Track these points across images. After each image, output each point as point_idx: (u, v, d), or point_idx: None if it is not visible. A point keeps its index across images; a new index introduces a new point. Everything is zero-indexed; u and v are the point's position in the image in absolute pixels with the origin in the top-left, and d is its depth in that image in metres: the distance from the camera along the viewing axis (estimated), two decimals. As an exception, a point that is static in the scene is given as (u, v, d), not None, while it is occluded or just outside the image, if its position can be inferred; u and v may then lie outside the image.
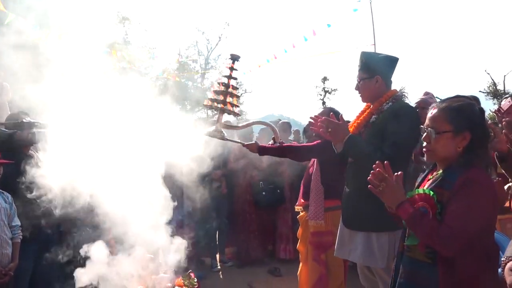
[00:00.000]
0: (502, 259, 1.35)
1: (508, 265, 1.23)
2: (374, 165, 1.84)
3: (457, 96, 1.90)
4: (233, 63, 3.41)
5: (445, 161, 1.81)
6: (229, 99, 3.33)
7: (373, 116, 2.68)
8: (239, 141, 3.62)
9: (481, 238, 1.67)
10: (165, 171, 3.16)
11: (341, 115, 2.71)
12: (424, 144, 1.84)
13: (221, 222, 5.65)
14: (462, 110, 1.80)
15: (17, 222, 3.16)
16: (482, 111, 1.84)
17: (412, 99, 3.93)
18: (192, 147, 3.08)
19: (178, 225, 4.76)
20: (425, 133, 1.82)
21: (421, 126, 1.88)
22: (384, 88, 2.70)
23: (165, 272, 3.39)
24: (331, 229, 3.40)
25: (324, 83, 29.67)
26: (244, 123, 3.71)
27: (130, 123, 2.78)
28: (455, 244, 1.63)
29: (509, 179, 2.49)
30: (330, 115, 2.58)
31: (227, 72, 3.39)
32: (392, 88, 2.75)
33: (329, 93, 29.77)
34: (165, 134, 2.93)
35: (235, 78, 3.44)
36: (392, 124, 2.51)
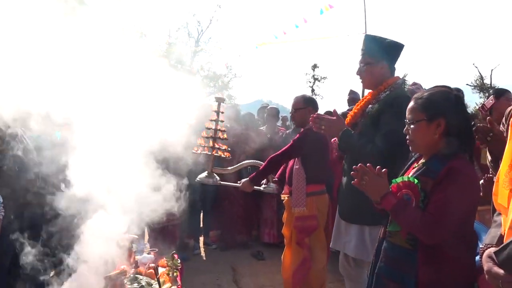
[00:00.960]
0: (480, 246, 1.39)
1: (486, 252, 1.27)
2: (354, 167, 1.86)
3: (436, 86, 1.92)
4: (218, 106, 3.55)
5: (428, 150, 1.84)
6: (217, 145, 3.51)
7: (369, 106, 2.62)
8: (233, 184, 3.79)
9: (462, 227, 1.70)
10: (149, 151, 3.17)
11: (335, 110, 2.68)
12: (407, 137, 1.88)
13: (206, 205, 5.68)
14: (433, 98, 1.83)
15: None
16: (458, 98, 1.84)
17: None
18: (177, 128, 3.09)
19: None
20: (406, 126, 1.86)
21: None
22: (388, 75, 2.63)
23: (148, 252, 3.41)
24: (314, 214, 3.45)
25: (314, 70, 29.65)
26: (234, 166, 3.81)
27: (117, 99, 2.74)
28: (438, 233, 1.66)
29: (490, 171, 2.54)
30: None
31: (214, 116, 3.53)
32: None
33: (319, 80, 29.78)
34: (149, 112, 2.91)
35: (222, 121, 3.58)
36: (385, 114, 2.47)
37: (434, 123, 1.79)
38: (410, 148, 1.92)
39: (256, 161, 3.86)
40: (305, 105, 3.58)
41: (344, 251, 2.79)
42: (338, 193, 2.87)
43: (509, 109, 2.56)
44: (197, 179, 3.58)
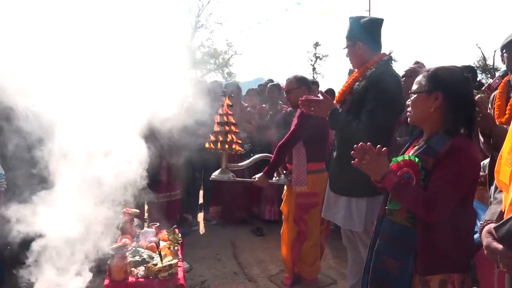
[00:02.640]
0: (480, 222, 1.40)
1: (486, 228, 1.29)
2: (354, 146, 1.87)
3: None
4: (228, 97, 3.56)
5: (424, 124, 1.86)
6: (230, 137, 3.46)
7: (356, 83, 2.66)
8: (249, 179, 3.82)
9: (461, 205, 1.72)
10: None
11: (321, 91, 2.73)
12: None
13: (206, 181, 5.71)
14: (438, 72, 1.83)
15: (0, 171, 3.14)
16: (465, 78, 1.82)
17: (403, 68, 3.94)
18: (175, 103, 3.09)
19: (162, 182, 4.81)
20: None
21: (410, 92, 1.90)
22: (368, 53, 2.66)
23: (149, 226, 3.45)
24: (316, 191, 3.51)
25: (315, 48, 29.39)
26: (247, 162, 3.77)
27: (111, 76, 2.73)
28: (438, 211, 1.67)
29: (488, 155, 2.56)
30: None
31: (223, 110, 3.49)
32: (383, 51, 2.71)
33: (320, 59, 29.56)
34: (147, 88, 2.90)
35: (232, 114, 3.56)
36: (370, 91, 2.51)
37: (432, 96, 1.80)
38: (408, 120, 1.94)
39: (267, 154, 3.86)
40: (298, 85, 3.60)
41: (333, 221, 2.92)
42: (328, 167, 2.91)
43: (493, 93, 2.60)
44: (212, 176, 3.58)
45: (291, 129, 3.56)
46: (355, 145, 1.87)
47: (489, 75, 22.81)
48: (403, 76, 3.53)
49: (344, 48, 2.78)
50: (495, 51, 23.27)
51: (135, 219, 3.60)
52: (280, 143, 3.57)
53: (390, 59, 2.66)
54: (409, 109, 1.91)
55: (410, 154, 1.85)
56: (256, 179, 3.62)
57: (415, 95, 1.85)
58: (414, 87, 1.87)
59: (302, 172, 3.50)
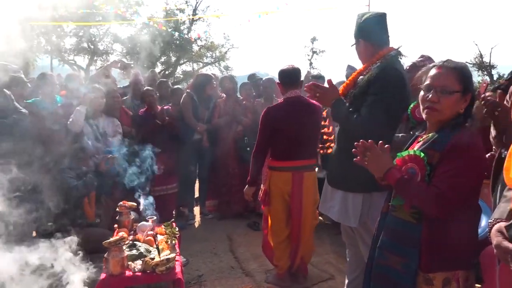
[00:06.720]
0: (489, 221, 1.37)
1: (496, 226, 1.26)
2: (356, 143, 1.82)
3: (449, 60, 1.86)
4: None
5: (442, 122, 1.79)
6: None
7: (360, 77, 2.63)
8: None
9: (467, 200, 1.69)
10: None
11: (329, 80, 2.68)
12: (427, 104, 1.77)
13: (202, 175, 5.68)
14: (467, 72, 1.77)
15: None
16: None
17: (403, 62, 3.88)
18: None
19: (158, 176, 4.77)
20: (432, 93, 1.75)
21: (421, 85, 1.83)
22: (372, 50, 2.63)
23: (147, 220, 3.41)
24: (265, 188, 3.58)
25: (312, 43, 29.32)
26: None
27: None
28: (443, 206, 1.64)
29: (493, 148, 2.53)
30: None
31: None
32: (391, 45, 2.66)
33: (317, 54, 29.50)
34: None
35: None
36: (373, 85, 2.48)
37: (465, 97, 1.75)
38: (426, 115, 1.81)
39: None
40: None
41: (328, 215, 2.90)
42: (329, 160, 2.90)
43: None
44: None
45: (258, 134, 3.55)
46: (356, 143, 1.83)
47: (485, 72, 22.86)
48: (400, 70, 3.48)
49: (351, 46, 2.77)
50: (491, 48, 23.35)
51: (132, 212, 3.56)
52: (253, 152, 3.57)
53: (398, 53, 2.61)
54: (435, 105, 1.75)
55: (415, 149, 1.82)
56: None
57: (449, 95, 1.73)
58: (444, 81, 1.74)
59: (264, 166, 3.64)
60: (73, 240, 2.54)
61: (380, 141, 1.80)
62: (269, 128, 3.44)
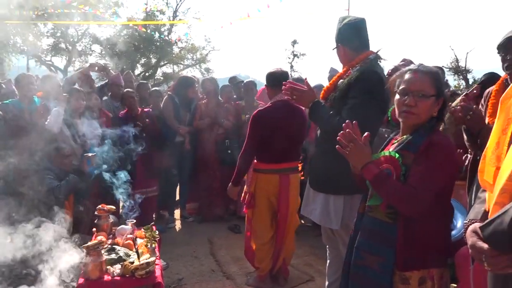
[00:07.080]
0: (464, 221, 1.41)
1: (471, 227, 1.29)
2: (344, 125, 1.85)
3: (422, 65, 1.92)
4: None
5: (416, 125, 1.85)
6: None
7: (340, 80, 2.67)
8: None
9: (440, 200, 1.74)
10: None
11: (306, 80, 2.69)
12: (404, 108, 1.81)
13: (182, 178, 5.64)
14: (439, 76, 1.85)
15: None
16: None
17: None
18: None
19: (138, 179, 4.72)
20: (409, 97, 1.80)
21: (396, 89, 1.88)
22: (351, 54, 2.67)
23: (126, 224, 3.37)
24: (251, 190, 3.57)
25: (293, 46, 29.50)
26: None
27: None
28: (417, 204, 1.69)
29: (469, 151, 2.59)
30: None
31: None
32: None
33: (298, 57, 29.69)
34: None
35: None
36: (353, 88, 2.51)
37: (438, 101, 1.82)
38: (403, 119, 1.86)
39: None
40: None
41: (310, 217, 2.92)
42: (310, 162, 2.92)
43: (488, 90, 2.62)
44: None
45: (246, 135, 3.56)
46: (341, 132, 1.84)
47: (461, 77, 23.42)
48: (378, 73, 3.53)
49: (332, 49, 2.81)
50: (467, 53, 23.96)
51: (111, 216, 3.52)
52: (241, 153, 3.56)
53: (377, 57, 2.66)
54: (412, 108, 1.80)
55: (390, 150, 1.86)
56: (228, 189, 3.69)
57: (425, 99, 1.79)
58: (420, 86, 1.79)
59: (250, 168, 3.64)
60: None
61: (365, 134, 1.82)
62: (259, 131, 3.43)
